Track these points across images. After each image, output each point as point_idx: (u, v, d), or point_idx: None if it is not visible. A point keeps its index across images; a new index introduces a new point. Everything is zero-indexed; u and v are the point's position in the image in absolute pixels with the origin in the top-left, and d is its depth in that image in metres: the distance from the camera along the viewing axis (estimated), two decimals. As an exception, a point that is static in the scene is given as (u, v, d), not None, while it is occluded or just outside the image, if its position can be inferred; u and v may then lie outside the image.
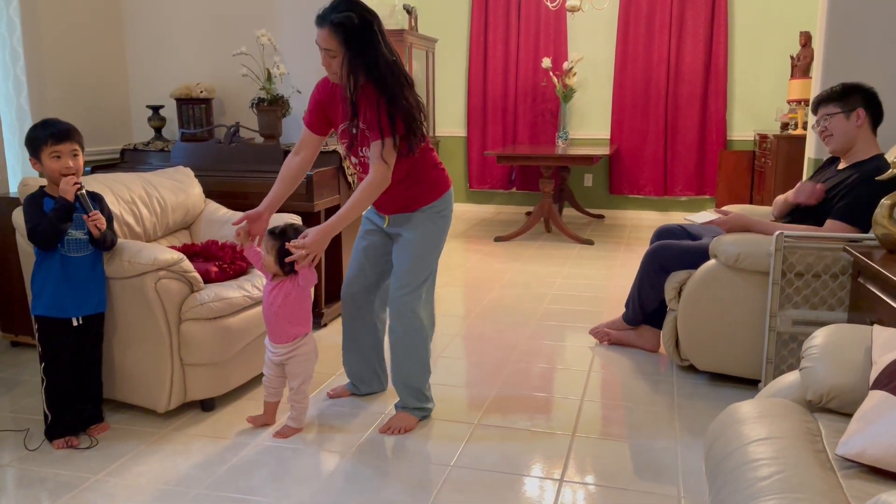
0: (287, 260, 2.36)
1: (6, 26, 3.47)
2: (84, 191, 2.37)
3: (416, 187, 2.51)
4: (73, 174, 2.36)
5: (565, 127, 6.84)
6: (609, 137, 6.98)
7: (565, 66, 6.76)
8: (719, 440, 1.64)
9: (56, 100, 3.86)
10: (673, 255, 3.12)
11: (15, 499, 2.15)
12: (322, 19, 2.30)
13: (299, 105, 3.99)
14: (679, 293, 3.02)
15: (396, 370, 2.61)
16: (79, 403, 2.50)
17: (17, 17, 3.49)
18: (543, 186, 5.99)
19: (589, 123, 7.06)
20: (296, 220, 3.08)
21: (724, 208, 3.27)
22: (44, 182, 2.45)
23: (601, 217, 7.10)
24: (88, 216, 2.37)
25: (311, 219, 3.38)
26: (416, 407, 2.63)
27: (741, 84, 6.64)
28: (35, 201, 2.37)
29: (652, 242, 3.38)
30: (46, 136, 2.33)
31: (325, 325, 3.71)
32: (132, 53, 4.39)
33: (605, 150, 6.24)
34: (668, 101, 6.76)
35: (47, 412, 2.45)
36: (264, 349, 2.57)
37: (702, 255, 2.98)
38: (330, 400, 2.84)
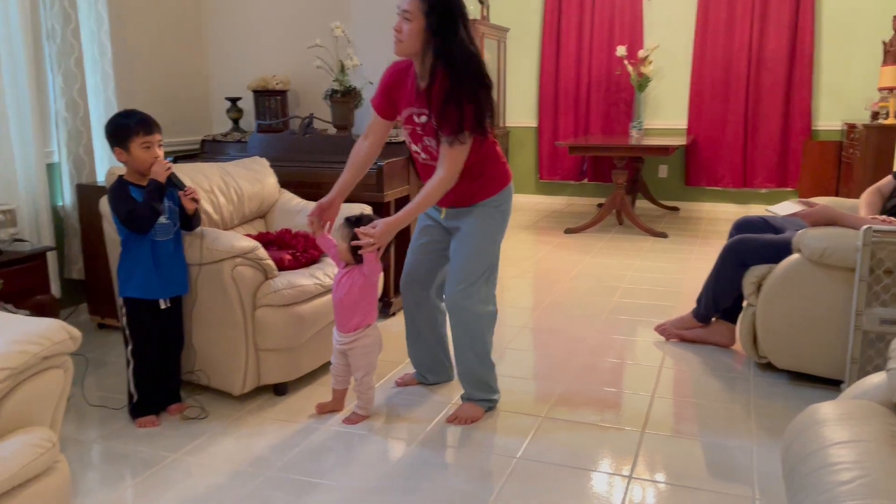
0: (353, 244, 2.39)
1: (95, 21, 3.63)
2: (172, 171, 2.47)
3: (478, 181, 2.48)
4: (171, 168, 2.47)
5: (640, 117, 6.69)
6: (686, 127, 6.78)
7: (641, 54, 6.60)
8: (798, 441, 1.58)
9: (141, 92, 4.02)
10: (753, 248, 3.01)
11: (100, 473, 2.26)
12: None
13: (371, 96, 4.03)
14: (759, 288, 2.91)
15: (458, 363, 2.62)
16: (161, 384, 2.61)
17: (105, 12, 3.64)
18: (616, 178, 5.88)
19: (664, 113, 6.88)
20: (367, 210, 3.12)
21: (810, 200, 3.12)
22: (123, 171, 2.55)
23: (676, 209, 6.92)
24: (185, 192, 2.47)
25: (380, 209, 3.42)
26: (482, 398, 2.63)
27: (828, 71, 6.34)
28: (121, 189, 2.47)
29: (731, 235, 3.27)
30: (137, 126, 2.43)
31: (394, 314, 3.75)
32: (213, 47, 4.52)
33: (681, 141, 6.06)
34: (749, 89, 6.51)
35: (133, 392, 2.56)
36: (333, 333, 2.61)
37: (784, 249, 2.86)
38: (398, 388, 2.87)
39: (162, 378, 2.61)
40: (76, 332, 1.69)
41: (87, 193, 3.44)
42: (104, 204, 2.64)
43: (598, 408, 2.69)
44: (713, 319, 3.32)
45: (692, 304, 3.39)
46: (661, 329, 3.44)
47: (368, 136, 2.60)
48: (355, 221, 2.45)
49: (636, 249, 5.31)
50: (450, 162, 2.34)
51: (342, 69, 3.96)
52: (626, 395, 2.82)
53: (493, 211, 2.52)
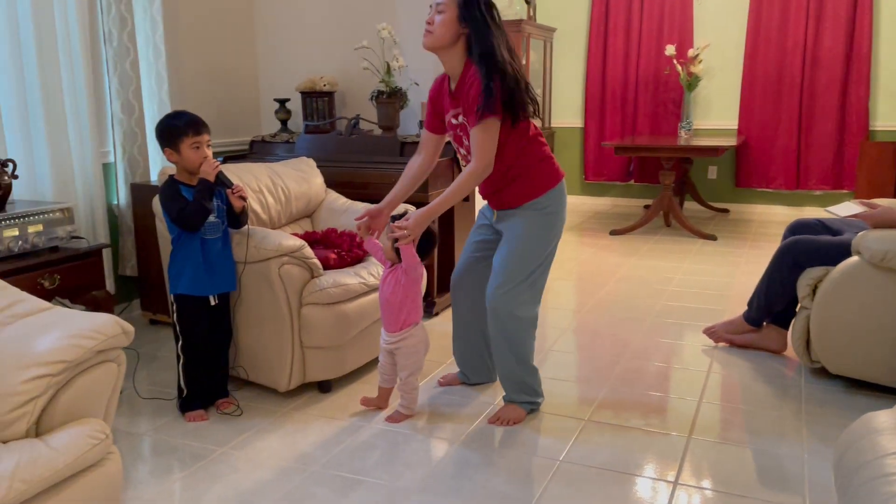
0: (389, 236, 2.42)
1: (150, 25, 3.73)
2: (220, 170, 2.53)
3: (521, 181, 2.46)
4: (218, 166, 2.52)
5: (689, 117, 6.57)
6: (736, 127, 6.63)
7: (690, 53, 6.48)
8: (851, 450, 1.53)
9: (193, 94, 4.11)
10: (809, 250, 2.92)
11: (151, 465, 2.32)
12: None
13: (417, 97, 4.05)
14: (814, 291, 2.83)
15: (498, 365, 2.61)
16: (210, 379, 2.67)
17: (159, 16, 3.73)
18: (664, 179, 5.78)
19: (714, 113, 6.74)
20: (410, 209, 3.13)
21: (872, 201, 3.02)
22: (174, 171, 2.60)
23: (726, 211, 6.78)
24: (232, 190, 2.52)
25: (425, 209, 3.42)
26: (525, 401, 2.61)
27: (887, 69, 6.12)
28: (172, 189, 2.53)
29: (785, 237, 3.19)
30: (187, 128, 2.48)
31: (437, 313, 3.76)
32: (262, 49, 4.60)
33: (731, 141, 5.93)
34: (803, 88, 6.34)
35: (183, 387, 2.62)
36: (379, 335, 2.63)
37: (842, 252, 2.78)
38: (440, 387, 2.87)
39: (210, 373, 2.67)
40: (129, 327, 1.73)
41: (140, 192, 3.53)
42: (156, 203, 2.71)
43: (643, 412, 2.65)
44: (764, 324, 3.24)
45: (741, 309, 3.32)
46: (710, 332, 3.37)
47: (421, 152, 2.65)
48: (397, 219, 2.48)
49: (684, 252, 5.22)
50: (478, 150, 2.34)
51: (388, 70, 3.99)
52: (672, 400, 2.77)
53: (540, 213, 2.49)
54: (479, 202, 2.73)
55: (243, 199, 2.57)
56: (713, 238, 5.63)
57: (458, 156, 2.57)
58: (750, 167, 6.66)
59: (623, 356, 3.21)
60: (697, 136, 6.45)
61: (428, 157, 2.64)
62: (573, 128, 7.27)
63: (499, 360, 2.58)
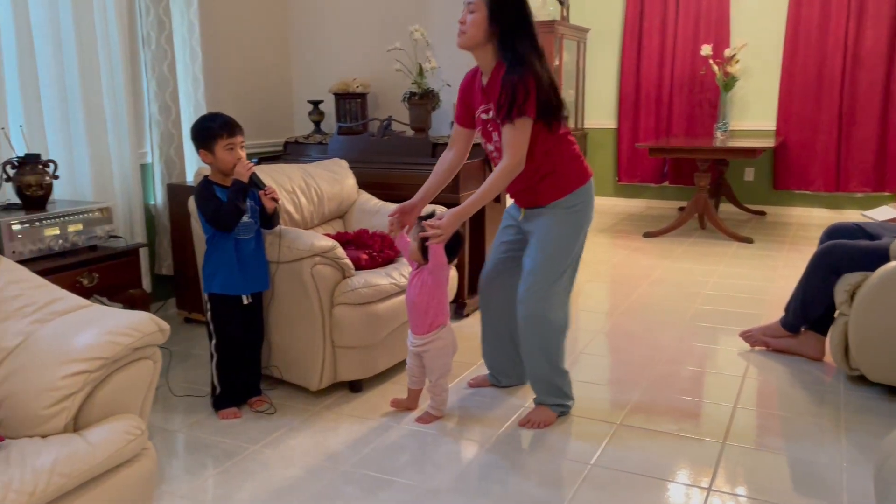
0: (419, 236, 2.42)
1: (187, 28, 3.79)
2: (254, 171, 2.56)
3: (550, 179, 2.45)
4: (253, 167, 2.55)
5: (725, 118, 6.47)
6: (774, 129, 6.52)
7: (727, 53, 6.39)
8: (893, 458, 1.49)
9: (229, 96, 4.17)
10: (846, 255, 2.86)
11: (185, 462, 2.35)
12: None
13: (449, 98, 4.05)
14: (852, 297, 2.76)
15: (529, 368, 2.59)
16: (242, 377, 2.70)
17: (196, 20, 3.79)
18: (699, 180, 5.70)
19: (752, 114, 6.63)
20: (440, 210, 3.13)
21: (910, 204, 2.95)
22: (209, 172, 2.64)
23: (762, 214, 6.66)
24: (265, 191, 2.55)
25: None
26: (555, 403, 2.59)
27: (932, 68, 5.96)
28: (206, 189, 2.57)
29: (822, 242, 3.12)
30: (221, 129, 2.52)
31: (468, 315, 3.75)
32: (296, 52, 4.65)
33: (769, 143, 5.83)
34: (843, 88, 6.20)
35: (216, 384, 2.65)
36: (408, 335, 2.63)
37: (880, 257, 2.71)
38: (470, 389, 2.87)
39: (243, 372, 2.70)
40: (165, 325, 1.76)
41: (176, 193, 3.59)
42: (192, 203, 2.75)
43: (677, 417, 2.62)
44: (802, 330, 3.17)
45: (779, 314, 3.26)
46: (746, 335, 3.31)
47: (452, 147, 2.65)
48: (426, 219, 2.48)
49: (719, 255, 5.14)
50: (510, 147, 2.33)
51: (420, 72, 3.99)
52: (706, 405, 2.73)
53: (568, 212, 2.47)
54: (509, 202, 2.71)
55: (275, 200, 2.60)
56: (749, 241, 5.53)
57: (486, 152, 2.56)
58: (788, 169, 6.53)
59: (656, 360, 3.17)
60: (734, 138, 6.35)
61: (459, 152, 2.65)
62: (606, 129, 7.21)
63: (529, 362, 2.57)
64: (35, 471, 1.42)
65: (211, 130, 2.52)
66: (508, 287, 2.70)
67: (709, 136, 6.53)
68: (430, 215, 2.50)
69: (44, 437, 1.57)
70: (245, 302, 2.62)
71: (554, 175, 2.45)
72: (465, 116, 2.58)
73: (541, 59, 2.34)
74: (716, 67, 6.38)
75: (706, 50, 6.39)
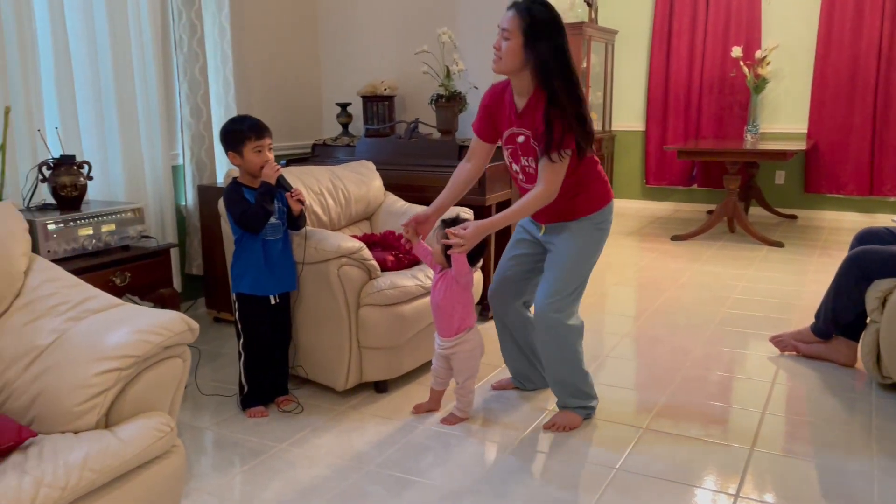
0: (443, 242, 2.42)
1: (218, 32, 3.84)
2: (281, 173, 2.59)
3: (579, 198, 2.46)
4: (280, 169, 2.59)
5: (755, 120, 6.39)
6: (806, 131, 6.42)
7: (758, 54, 6.31)
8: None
9: (259, 99, 4.22)
10: (877, 260, 2.81)
11: (213, 459, 2.39)
12: (515, 4, 2.31)
13: (475, 101, 4.05)
14: (883, 303, 2.71)
15: (549, 374, 2.58)
16: (270, 376, 2.73)
17: (227, 23, 3.85)
18: (728, 183, 5.64)
19: (783, 116, 6.54)
20: (468, 213, 3.14)
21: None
22: (238, 174, 2.67)
23: (793, 217, 6.56)
24: (291, 193, 2.58)
25: (482, 212, 3.43)
26: (579, 405, 2.58)
27: (971, 70, 5.83)
28: (235, 191, 2.60)
29: (852, 247, 3.07)
30: (249, 131, 2.55)
31: (493, 318, 3.74)
32: (325, 55, 4.69)
33: (800, 145, 5.74)
34: (878, 91, 6.09)
35: (244, 383, 2.69)
36: (434, 337, 2.64)
37: (912, 262, 2.66)
38: (495, 392, 2.87)
39: (271, 371, 2.73)
40: (194, 324, 1.79)
41: (207, 194, 3.64)
42: (221, 204, 2.79)
43: (704, 422, 2.59)
44: (833, 336, 3.12)
45: (809, 319, 3.21)
46: (776, 340, 3.27)
47: (470, 160, 2.62)
48: (450, 223, 2.47)
49: (749, 259, 5.08)
50: (548, 178, 2.33)
51: (448, 74, 4.01)
52: (734, 411, 2.70)
53: (593, 227, 2.48)
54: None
55: (301, 202, 2.63)
56: (780, 245, 5.45)
57: (510, 170, 2.54)
58: (820, 172, 6.43)
59: (683, 364, 3.14)
60: (764, 140, 6.27)
61: (477, 165, 2.62)
62: (634, 131, 7.16)
63: (549, 368, 2.56)
64: (67, 466, 1.46)
65: (239, 133, 2.56)
66: (519, 299, 2.70)
67: (739, 139, 6.45)
68: (455, 220, 2.50)
69: (76, 433, 1.60)
70: (272, 302, 2.65)
71: (582, 195, 2.46)
72: (488, 130, 2.54)
73: (576, 83, 2.32)
74: (746, 69, 6.30)
75: (736, 51, 6.32)
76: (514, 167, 2.51)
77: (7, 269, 1.88)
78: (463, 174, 2.62)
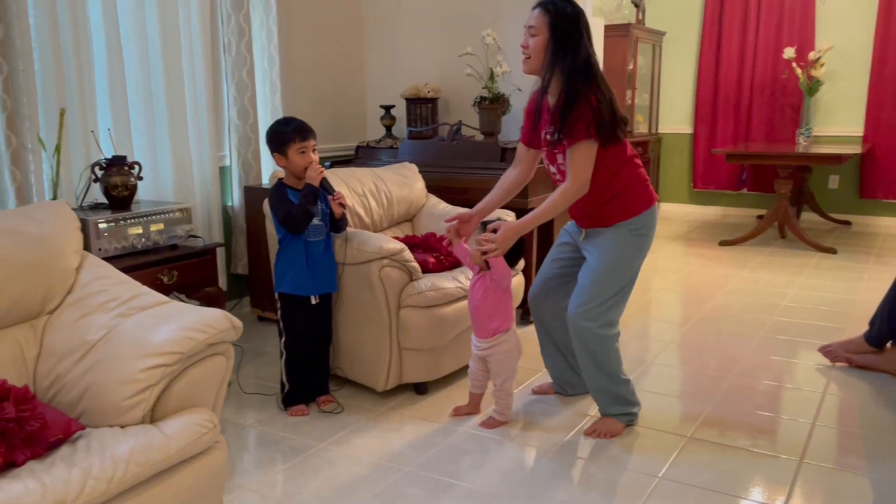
0: (475, 249, 2.42)
1: (266, 34, 3.90)
2: (324, 175, 2.61)
3: (615, 202, 2.41)
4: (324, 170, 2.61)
5: (808, 123, 6.22)
6: (861, 134, 6.22)
7: (811, 55, 6.14)
8: None
9: (304, 101, 4.27)
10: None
11: (255, 456, 2.42)
12: (540, 3, 2.33)
13: (519, 103, 4.03)
14: (942, 313, 2.61)
15: (587, 382, 2.54)
16: (311, 376, 2.75)
17: (274, 27, 3.90)
18: (779, 188, 5.49)
19: (837, 119, 6.35)
20: (509, 215, 3.12)
21: None
22: (283, 175, 2.71)
23: (847, 223, 6.36)
24: (333, 196, 2.61)
25: (524, 215, 3.40)
26: (620, 412, 2.54)
27: None
28: (280, 192, 2.63)
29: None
30: (294, 133, 2.58)
31: (533, 321, 3.71)
32: (370, 58, 4.72)
33: (856, 149, 5.57)
34: (939, 92, 5.87)
35: (285, 382, 2.72)
36: (471, 338, 2.63)
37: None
38: (535, 396, 2.84)
39: (312, 370, 2.75)
40: (238, 322, 1.81)
41: (252, 195, 3.70)
42: (266, 205, 2.82)
43: (751, 432, 2.52)
44: (888, 345, 3.01)
45: (862, 328, 3.10)
46: (826, 351, 3.17)
47: (517, 167, 2.63)
48: (486, 224, 2.47)
49: (800, 265, 4.94)
50: (573, 170, 2.30)
51: (491, 76, 3.99)
52: (782, 421, 2.62)
53: (631, 234, 2.42)
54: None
55: (343, 206, 2.64)
56: (833, 251, 5.29)
57: (549, 172, 2.53)
58: (876, 177, 6.22)
59: (730, 373, 3.06)
60: (817, 144, 6.10)
61: (524, 172, 2.63)
62: (681, 134, 7.04)
63: (587, 376, 2.52)
64: (114, 459, 1.49)
65: (284, 135, 2.59)
66: (560, 305, 2.66)
67: (790, 142, 6.29)
68: (493, 223, 2.48)
69: (122, 427, 1.64)
70: (313, 302, 2.67)
71: (619, 199, 2.41)
72: (531, 136, 2.55)
73: (595, 72, 2.31)
74: (799, 71, 6.14)
75: (789, 53, 6.16)
76: (552, 168, 2.49)
77: (60, 265, 1.94)
78: (509, 180, 2.64)
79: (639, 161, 2.47)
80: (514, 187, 2.64)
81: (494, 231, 2.38)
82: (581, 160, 2.30)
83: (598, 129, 2.27)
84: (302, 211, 2.55)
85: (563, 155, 2.37)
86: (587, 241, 2.51)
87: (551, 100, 2.40)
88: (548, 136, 2.40)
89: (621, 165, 2.40)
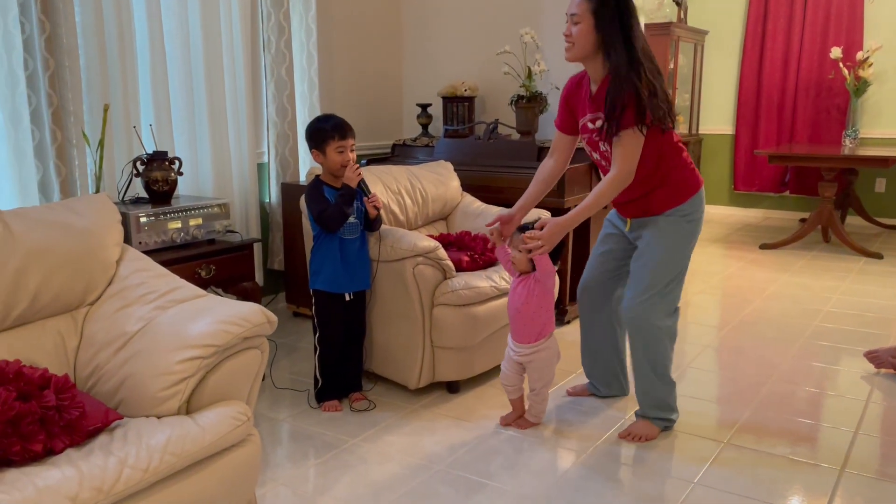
0: (521, 248, 2.38)
1: (304, 33, 3.93)
2: (362, 177, 2.61)
3: (662, 189, 2.37)
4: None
5: (855, 124, 6.06)
6: (911, 137, 6.04)
7: (859, 55, 5.98)
8: None
9: (342, 99, 4.29)
10: None
11: (287, 450, 2.43)
12: None
13: (556, 102, 4.00)
14: None
15: (636, 379, 2.50)
16: (344, 372, 2.77)
17: (314, 25, 3.93)
18: (824, 190, 5.36)
19: (885, 120, 6.18)
20: (545, 215, 3.09)
21: None
22: (321, 172, 2.72)
23: (894, 228, 6.18)
24: (368, 198, 2.62)
25: (560, 214, 3.37)
26: (659, 417, 2.50)
27: None
28: (316, 189, 2.65)
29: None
30: (333, 131, 2.59)
31: (569, 322, 3.69)
32: (408, 56, 4.73)
33: (904, 152, 5.41)
34: None
35: (318, 377, 2.74)
36: (507, 339, 2.60)
37: None
38: (569, 397, 2.81)
39: (345, 367, 2.76)
40: (273, 317, 1.83)
41: (289, 191, 3.73)
42: (303, 201, 2.84)
43: (790, 439, 2.46)
44: (936, 353, 2.92)
45: (910, 335, 3.01)
46: (872, 356, 3.08)
47: (553, 155, 2.59)
48: (526, 228, 2.42)
49: (844, 270, 4.81)
50: (620, 158, 2.26)
51: (529, 75, 3.97)
52: (823, 429, 2.55)
53: (681, 220, 2.38)
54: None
55: (377, 208, 2.65)
56: (879, 256, 5.15)
57: (593, 159, 2.50)
58: (926, 180, 6.04)
59: (769, 378, 3.00)
60: (864, 146, 5.94)
61: (560, 161, 2.58)
62: (723, 135, 6.92)
63: (637, 373, 2.48)
64: (150, 449, 1.51)
65: (323, 132, 2.60)
66: (609, 297, 2.63)
67: (836, 144, 6.13)
68: (532, 224, 2.43)
69: (159, 417, 1.66)
70: (347, 299, 2.68)
71: (666, 185, 2.37)
72: (568, 122, 2.52)
73: (646, 63, 2.25)
74: (846, 71, 5.98)
75: (836, 52, 6.01)
76: (595, 155, 2.45)
77: (101, 258, 1.98)
78: (546, 170, 2.59)
79: (683, 146, 2.42)
80: (553, 177, 2.60)
81: (541, 228, 2.35)
82: (628, 148, 2.25)
83: (646, 117, 2.22)
84: (337, 210, 2.56)
85: (607, 142, 2.33)
86: (637, 230, 2.47)
87: (594, 86, 2.36)
88: (590, 124, 2.37)
89: (668, 152, 2.35)
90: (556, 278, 3.16)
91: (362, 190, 2.62)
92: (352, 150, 2.62)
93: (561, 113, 2.53)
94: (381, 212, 2.73)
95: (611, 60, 2.25)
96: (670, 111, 2.29)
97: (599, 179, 3.66)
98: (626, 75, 2.22)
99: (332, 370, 2.73)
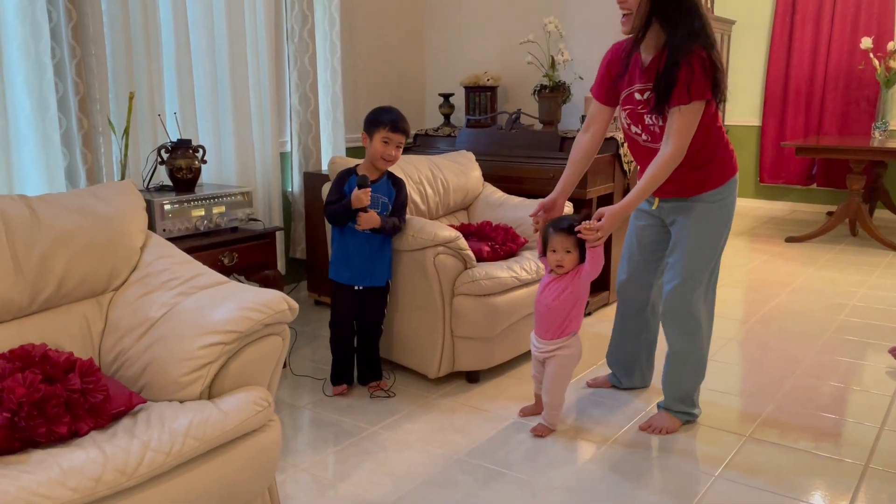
0: (580, 237, 2.25)
1: (328, 22, 3.94)
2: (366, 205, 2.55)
3: (705, 168, 2.29)
4: (369, 188, 2.56)
5: (884, 116, 5.93)
6: (943, 129, 5.91)
7: (890, 46, 5.85)
8: None
9: (364, 89, 4.30)
10: None
11: (308, 436, 2.45)
12: None
13: (580, 92, 3.97)
14: None
15: (668, 371, 2.47)
16: (356, 360, 2.79)
17: (337, 14, 3.94)
18: (852, 183, 5.27)
19: (917, 112, 6.05)
20: (567, 206, 3.06)
21: None
22: (348, 163, 2.72)
23: (924, 222, 6.07)
24: (359, 224, 2.57)
25: (582, 205, 3.36)
26: (682, 411, 2.48)
27: None
28: (341, 179, 2.66)
29: None
30: (387, 121, 2.60)
31: (589, 314, 3.67)
32: (430, 46, 4.72)
33: (935, 144, 5.29)
34: None
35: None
36: (527, 329, 2.58)
37: None
38: (589, 389, 2.80)
39: (358, 354, 2.79)
40: (294, 304, 1.83)
41: (312, 181, 3.75)
42: (326, 189, 2.85)
43: (813, 434, 2.43)
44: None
45: (939, 330, 2.95)
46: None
47: (589, 128, 2.48)
48: (568, 228, 2.33)
49: (871, 264, 4.73)
50: (678, 133, 2.16)
51: (553, 64, 3.94)
52: (848, 424, 2.52)
53: (715, 206, 2.33)
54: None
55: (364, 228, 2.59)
56: (908, 251, 5.06)
57: (629, 133, 2.38)
58: (958, 173, 5.91)
59: (793, 372, 2.96)
60: (894, 138, 5.82)
61: (598, 133, 2.46)
62: (749, 126, 6.82)
63: (670, 366, 2.46)
64: (172, 433, 1.53)
65: (378, 120, 2.62)
66: (647, 285, 2.59)
67: (865, 136, 6.02)
68: (571, 223, 2.32)
69: (181, 402, 1.68)
70: (356, 288, 2.69)
71: (709, 165, 2.30)
72: (609, 92, 2.39)
73: (708, 35, 2.14)
74: (876, 62, 5.86)
75: (866, 43, 5.88)
76: (634, 129, 2.34)
77: (126, 244, 2.00)
78: (582, 145, 2.49)
79: (722, 126, 2.35)
80: (591, 151, 2.48)
81: (599, 219, 2.22)
82: (685, 123, 2.15)
83: (708, 89, 2.12)
84: (340, 210, 2.58)
85: (654, 115, 2.24)
86: (669, 214, 2.40)
87: (645, 55, 2.25)
88: (638, 94, 2.27)
89: (715, 129, 2.29)
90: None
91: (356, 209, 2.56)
92: (397, 148, 2.63)
93: (601, 82, 2.40)
94: (387, 224, 2.63)
95: (670, 31, 2.13)
96: (725, 87, 2.20)
97: (623, 170, 3.66)
98: (690, 47, 2.11)
99: (342, 354, 2.76)
